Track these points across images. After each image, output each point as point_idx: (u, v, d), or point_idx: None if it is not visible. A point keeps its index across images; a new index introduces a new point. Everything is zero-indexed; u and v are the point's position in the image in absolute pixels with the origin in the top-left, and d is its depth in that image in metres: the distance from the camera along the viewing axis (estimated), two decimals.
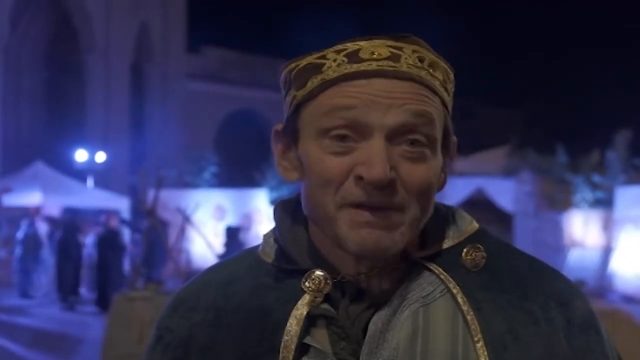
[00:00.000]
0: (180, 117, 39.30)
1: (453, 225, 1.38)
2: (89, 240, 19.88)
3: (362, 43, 1.26)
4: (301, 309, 1.28)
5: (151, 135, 38.06)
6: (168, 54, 39.97)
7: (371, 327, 1.26)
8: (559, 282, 1.37)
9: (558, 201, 23.61)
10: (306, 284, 1.28)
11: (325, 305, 1.29)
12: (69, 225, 18.72)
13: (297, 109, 1.30)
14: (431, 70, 1.28)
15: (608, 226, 21.81)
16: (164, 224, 17.70)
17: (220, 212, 26.28)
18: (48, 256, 20.06)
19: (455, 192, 25.16)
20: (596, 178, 22.93)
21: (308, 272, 1.29)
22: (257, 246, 1.44)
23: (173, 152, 34.01)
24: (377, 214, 1.22)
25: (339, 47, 1.27)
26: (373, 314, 1.28)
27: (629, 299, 19.08)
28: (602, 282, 20.36)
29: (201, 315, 1.37)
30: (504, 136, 29.58)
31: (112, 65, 36.84)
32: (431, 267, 1.30)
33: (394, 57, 1.25)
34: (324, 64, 1.27)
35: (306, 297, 1.28)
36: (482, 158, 27.12)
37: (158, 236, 13.86)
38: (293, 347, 1.26)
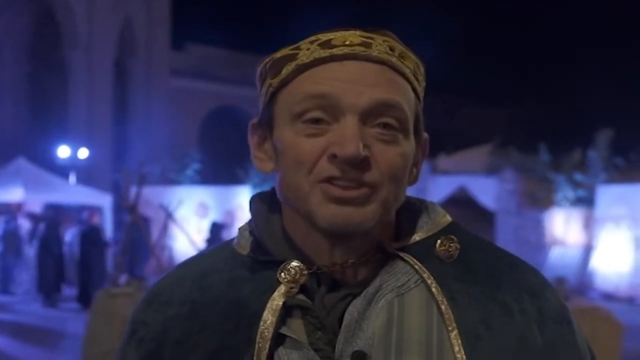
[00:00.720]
0: (164, 113, 39.18)
1: (427, 218, 1.40)
2: (70, 237, 19.81)
3: (334, 34, 1.30)
4: (277, 300, 1.29)
5: (134, 131, 37.93)
6: (151, 50, 39.83)
7: (347, 316, 1.27)
8: (530, 275, 1.39)
9: (540, 199, 23.69)
10: (282, 275, 1.29)
11: (301, 296, 1.30)
12: (51, 221, 18.63)
13: (272, 97, 1.33)
14: (402, 60, 1.31)
15: (589, 224, 21.90)
16: (146, 221, 17.67)
17: (203, 209, 26.24)
18: (29, 252, 19.96)
19: (438, 190, 25.23)
20: (578, 177, 23.01)
21: (284, 263, 1.30)
22: (232, 240, 1.46)
23: (156, 148, 33.91)
24: (350, 190, 1.24)
25: (313, 38, 1.30)
26: (348, 304, 1.29)
27: (609, 296, 19.20)
28: (583, 280, 20.46)
29: (176, 308, 1.38)
30: (487, 135, 29.65)
31: (95, 61, 36.67)
32: (406, 258, 1.32)
33: (366, 44, 1.29)
34: (298, 53, 1.30)
35: (282, 288, 1.29)
36: (465, 156, 27.19)
37: (140, 233, 13.83)
38: (269, 337, 1.27)
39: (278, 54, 1.33)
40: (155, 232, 20.34)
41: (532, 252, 22.60)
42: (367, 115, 1.25)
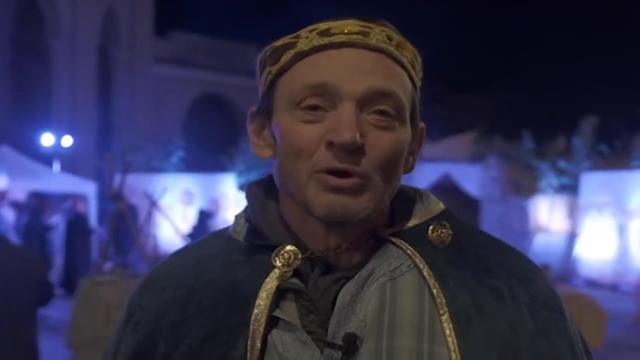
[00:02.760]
0: (148, 101, 39.07)
1: (420, 205, 1.43)
2: (54, 224, 19.73)
3: (334, 23, 1.32)
4: (271, 283, 1.31)
5: (118, 119, 37.80)
6: (135, 38, 39.65)
7: (339, 299, 1.30)
8: (521, 262, 1.42)
9: (524, 187, 23.76)
10: (276, 259, 1.32)
11: (295, 280, 1.33)
12: (35, 209, 18.56)
13: (272, 84, 1.35)
14: (399, 49, 1.34)
15: (573, 212, 21.99)
16: (131, 209, 17.61)
17: (188, 196, 26.18)
18: (13, 240, 19.87)
19: (422, 177, 25.23)
20: (562, 164, 23.08)
21: (279, 248, 1.33)
22: (227, 228, 1.47)
23: (140, 136, 33.79)
24: (344, 180, 1.26)
25: (312, 27, 1.33)
26: (341, 288, 1.31)
27: (592, 283, 19.29)
28: (567, 267, 20.54)
29: (171, 293, 1.40)
30: (471, 122, 29.69)
31: (78, 49, 36.48)
32: (398, 243, 1.34)
33: (364, 33, 1.31)
34: (298, 41, 1.32)
35: (276, 272, 1.32)
36: (450, 144, 27.20)
37: (125, 221, 13.79)
38: (263, 320, 1.29)
39: (278, 42, 1.35)
40: (139, 220, 20.28)
41: (517, 239, 22.65)
42: (364, 102, 1.27)
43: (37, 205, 19.21)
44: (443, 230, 1.37)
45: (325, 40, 1.30)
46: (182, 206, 25.57)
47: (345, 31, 1.30)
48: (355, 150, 1.25)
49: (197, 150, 31.52)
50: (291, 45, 1.32)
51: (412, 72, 1.36)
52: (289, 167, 1.31)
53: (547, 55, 48.37)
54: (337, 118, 1.26)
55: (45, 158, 30.03)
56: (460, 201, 25.56)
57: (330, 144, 1.25)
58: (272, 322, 1.30)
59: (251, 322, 1.29)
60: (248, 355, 1.28)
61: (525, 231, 23.10)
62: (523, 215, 23.48)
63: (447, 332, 1.26)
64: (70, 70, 36.25)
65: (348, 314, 1.29)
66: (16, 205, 20.93)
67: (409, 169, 1.39)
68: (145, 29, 40.46)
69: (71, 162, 32.55)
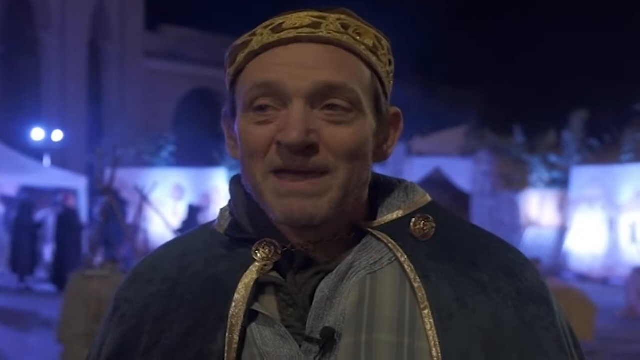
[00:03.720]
0: (138, 95, 38.99)
1: (404, 197, 1.40)
2: (44, 219, 19.71)
3: (288, 16, 1.30)
4: (250, 277, 1.31)
5: (108, 113, 37.72)
6: (125, 32, 39.55)
7: (318, 293, 1.29)
8: (509, 254, 1.40)
9: (515, 181, 23.81)
10: (256, 252, 1.31)
11: (274, 273, 1.32)
12: (25, 204, 18.52)
13: (232, 85, 1.35)
14: (357, 37, 1.30)
15: (563, 206, 22.05)
16: (121, 203, 17.58)
17: (178, 191, 26.17)
18: (3, 235, 19.84)
19: (413, 171, 25.27)
20: (552, 158, 23.13)
21: (259, 241, 1.32)
22: (213, 221, 1.47)
23: (131, 130, 33.72)
24: (300, 182, 1.25)
25: (268, 22, 1.31)
26: (320, 281, 1.30)
27: (583, 277, 19.38)
28: (557, 261, 20.62)
29: (156, 286, 1.40)
30: (461, 117, 29.72)
31: (69, 43, 36.38)
32: (379, 236, 1.32)
33: (315, 25, 1.28)
34: (252, 40, 1.31)
35: (256, 265, 1.31)
36: (440, 138, 27.27)
37: (115, 215, 13.76)
38: (242, 314, 1.28)
39: (238, 41, 1.34)
40: (130, 215, 20.25)
41: (507, 233, 22.70)
42: (314, 99, 1.25)
43: (26, 200, 19.16)
44: (426, 223, 1.35)
45: (275, 37, 1.28)
46: (173, 201, 25.57)
47: (297, 25, 1.28)
48: (306, 149, 1.23)
49: (187, 144, 31.47)
50: (246, 45, 1.31)
51: (373, 59, 1.31)
52: (247, 169, 1.30)
53: (537, 49, 48.43)
54: (286, 117, 1.24)
55: (35, 152, 29.95)
56: (451, 195, 25.60)
57: (279, 145, 1.24)
58: (251, 316, 1.29)
59: (229, 316, 1.28)
60: (226, 348, 1.27)
61: (516, 225, 23.16)
62: (514, 209, 23.53)
63: (428, 326, 1.25)
64: (60, 64, 36.15)
65: (327, 308, 1.28)
66: (6, 200, 20.91)
67: (383, 158, 1.37)
68: (135, 22, 40.36)
69: (61, 157, 32.48)
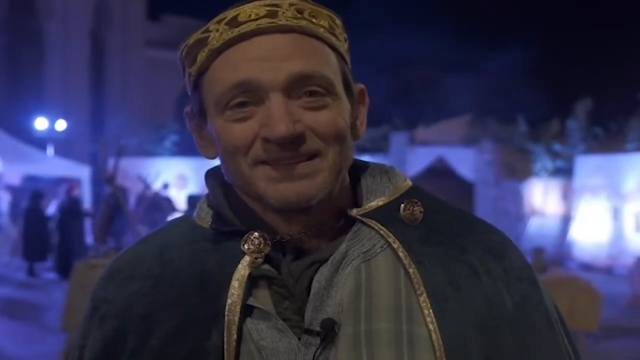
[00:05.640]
0: (141, 85, 39.01)
1: (387, 182, 1.39)
2: (51, 209, 19.75)
3: (241, 8, 1.28)
4: (242, 271, 1.28)
5: (111, 103, 37.74)
6: (127, 21, 39.56)
7: (315, 284, 1.28)
8: (494, 236, 1.40)
9: (518, 170, 23.78)
10: (245, 245, 1.29)
11: (266, 266, 1.30)
12: (35, 194, 18.56)
13: (196, 86, 1.32)
14: (313, 20, 1.29)
15: (568, 195, 22.03)
16: (125, 192, 17.61)
17: (181, 180, 26.20)
18: (8, 224, 19.87)
19: (416, 160, 25.28)
20: (556, 147, 23.10)
21: (247, 234, 1.29)
22: (189, 214, 1.44)
23: (133, 120, 33.74)
24: (292, 166, 1.24)
25: (220, 17, 1.29)
26: (315, 272, 1.29)
27: (587, 266, 19.35)
28: (561, 250, 20.60)
29: (138, 284, 1.36)
30: (465, 106, 29.68)
31: (71, 33, 36.39)
32: (370, 223, 1.32)
33: (271, 14, 1.26)
34: (209, 37, 1.29)
35: (246, 259, 1.29)
36: (444, 127, 27.22)
37: (119, 204, 13.78)
38: (238, 309, 1.26)
39: (191, 40, 1.32)
40: (133, 204, 20.29)
41: (511, 222, 22.70)
42: (291, 89, 1.24)
43: (37, 190, 19.20)
44: (415, 208, 1.35)
45: (235, 32, 1.26)
46: (176, 190, 25.58)
47: (253, 16, 1.26)
48: (294, 141, 1.22)
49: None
50: (203, 42, 1.29)
51: (333, 39, 1.31)
52: (231, 165, 1.29)
53: (541, 38, 48.33)
54: (267, 112, 1.23)
55: (39, 142, 29.96)
56: (454, 184, 25.58)
57: (266, 141, 1.23)
58: (246, 311, 1.27)
59: (226, 312, 1.26)
60: (225, 346, 1.25)
61: (520, 214, 23.14)
62: (517, 198, 23.51)
63: (426, 311, 1.25)
64: (63, 54, 36.16)
65: (324, 299, 1.27)
66: (11, 189, 20.94)
67: (358, 136, 1.36)
68: (137, 12, 40.37)
69: (65, 146, 32.48)
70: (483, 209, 23.80)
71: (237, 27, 1.26)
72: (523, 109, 24.78)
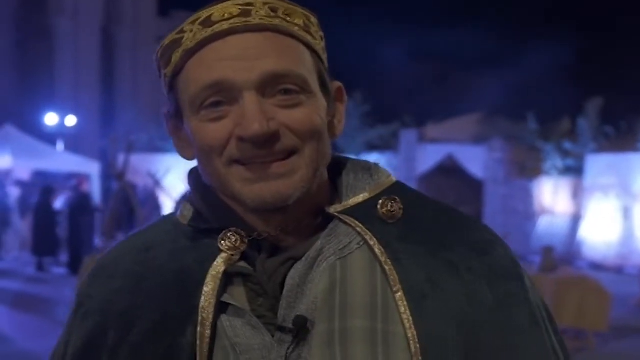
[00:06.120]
0: (150, 81, 39.05)
1: (369, 179, 1.38)
2: (60, 204, 19.80)
3: (214, 8, 1.28)
4: (217, 268, 1.29)
5: (121, 99, 37.82)
6: (138, 17, 39.67)
7: (288, 281, 1.27)
8: (479, 232, 1.38)
9: (528, 168, 23.72)
10: (222, 243, 1.29)
11: (242, 263, 1.30)
12: (45, 189, 18.62)
13: (171, 87, 1.32)
14: (288, 18, 1.29)
15: (578, 194, 21.97)
16: (134, 188, 17.65)
17: None
18: (18, 219, 19.93)
19: (426, 158, 25.24)
20: (567, 145, 23.04)
21: (224, 231, 1.30)
22: (174, 213, 1.45)
23: (143, 116, 33.79)
24: (268, 165, 1.24)
25: (194, 17, 1.29)
26: (290, 269, 1.29)
27: (597, 266, 19.30)
28: (571, 250, 20.56)
29: (120, 281, 1.37)
30: (475, 103, 29.63)
31: (82, 29, 36.50)
32: (347, 220, 1.31)
33: (245, 13, 1.26)
34: (183, 37, 1.29)
35: (223, 256, 1.29)
36: (454, 125, 27.15)
37: (129, 200, 13.81)
38: (212, 306, 1.27)
39: (166, 41, 1.32)
40: (142, 200, 20.31)
41: (521, 221, 22.66)
42: (264, 88, 1.23)
43: (47, 185, 19.26)
44: (393, 205, 1.33)
45: (209, 32, 1.26)
46: (186, 186, 25.60)
47: (226, 15, 1.26)
48: (269, 139, 1.22)
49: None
50: (178, 43, 1.29)
51: (308, 38, 1.30)
52: (206, 166, 1.29)
53: (552, 36, 48.21)
54: (241, 111, 1.23)
55: (49, 137, 30.07)
56: (464, 182, 25.56)
57: (241, 140, 1.23)
58: (221, 307, 1.28)
59: (199, 309, 1.27)
60: (198, 342, 1.26)
61: (530, 213, 23.09)
62: (527, 197, 23.46)
63: (402, 309, 1.24)
64: (73, 50, 36.27)
65: (298, 296, 1.27)
66: (21, 184, 20.98)
67: (336, 134, 1.36)
68: (148, 8, 40.47)
69: (75, 142, 32.60)
70: (492, 207, 23.77)
71: (210, 26, 1.26)
72: (535, 106, 24.71)
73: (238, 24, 1.25)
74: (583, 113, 22.98)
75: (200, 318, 1.26)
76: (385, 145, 26.75)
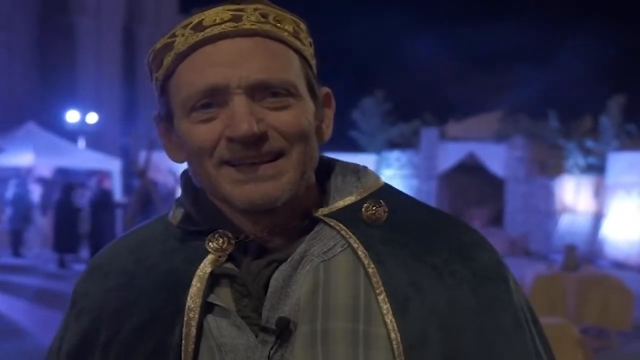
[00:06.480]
0: None
1: (356, 182, 1.40)
2: (82, 201, 19.89)
3: (205, 13, 1.30)
4: (204, 269, 1.31)
5: (142, 96, 37.94)
6: (159, 15, 39.79)
7: (272, 283, 1.29)
8: (464, 236, 1.39)
9: (550, 166, 23.64)
10: (210, 244, 1.31)
11: (229, 264, 1.33)
12: (67, 186, 18.72)
13: (162, 90, 1.34)
14: (278, 24, 1.30)
15: (600, 192, 21.87)
16: (155, 186, 17.72)
17: None
18: (39, 216, 20.04)
19: (447, 156, 25.21)
20: (589, 143, 22.93)
21: (212, 233, 1.32)
22: (168, 212, 1.47)
23: None
24: (256, 167, 1.25)
25: (186, 22, 1.31)
26: (274, 271, 1.31)
27: (619, 265, 19.21)
28: (593, 248, 20.46)
29: (114, 280, 1.40)
30: (496, 101, 29.54)
31: (103, 26, 36.67)
32: (331, 223, 1.32)
33: (236, 18, 1.28)
34: (175, 41, 1.30)
35: (210, 257, 1.31)
36: (475, 123, 27.10)
37: (150, 197, 13.87)
38: (198, 307, 1.29)
39: (158, 45, 1.33)
40: (164, 197, 20.39)
41: (542, 219, 22.59)
42: (254, 91, 1.25)
43: (68, 182, 19.36)
44: (378, 209, 1.35)
45: (200, 36, 1.27)
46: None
47: (217, 20, 1.27)
48: (258, 140, 1.24)
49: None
50: (170, 47, 1.30)
51: (297, 44, 1.32)
52: (197, 168, 1.31)
53: (575, 33, 48.01)
54: (230, 113, 1.24)
55: (70, 135, 30.22)
56: (485, 181, 25.51)
57: (230, 140, 1.24)
58: (208, 308, 1.30)
59: (186, 309, 1.29)
60: (183, 342, 1.28)
61: (551, 211, 23.01)
62: (548, 195, 23.38)
63: (385, 311, 1.25)
64: (95, 48, 36.45)
65: (281, 298, 1.28)
66: (42, 181, 21.09)
67: (323, 138, 1.37)
68: (169, 6, 40.59)
69: (96, 139, 32.75)
70: (513, 206, 23.70)
71: (202, 31, 1.28)
72: (557, 104, 24.61)
73: (229, 29, 1.27)
74: (605, 111, 22.86)
75: (186, 318, 1.28)
76: (406, 143, 26.72)
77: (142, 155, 12.48)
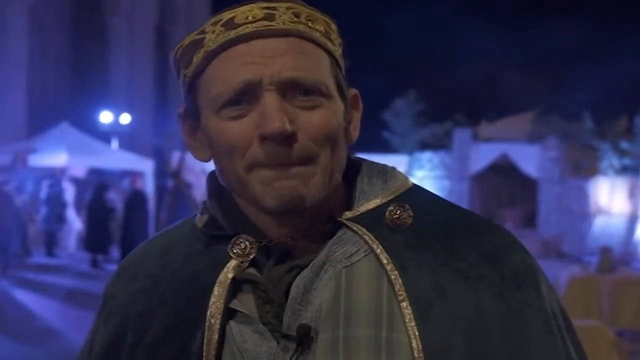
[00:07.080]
0: None
1: (383, 185, 1.37)
2: (115, 201, 20.03)
3: (237, 10, 1.28)
4: (226, 274, 1.30)
5: (175, 97, 38.11)
6: (192, 16, 39.93)
7: (293, 289, 1.27)
8: (494, 238, 1.35)
9: (584, 168, 23.49)
10: (233, 249, 1.30)
11: (251, 270, 1.31)
12: (100, 186, 18.86)
13: (191, 87, 1.33)
14: (310, 24, 1.29)
15: (635, 193, 21.70)
16: (189, 187, 17.80)
17: None
18: (73, 216, 20.19)
19: (479, 157, 25.12)
20: (623, 144, 22.75)
21: (235, 238, 1.31)
22: (196, 215, 1.45)
23: None
24: (288, 169, 1.23)
25: (216, 18, 1.29)
26: (295, 277, 1.29)
27: None
28: (628, 250, 20.30)
29: (140, 283, 1.40)
30: (529, 102, 29.38)
31: (136, 28, 36.87)
32: (354, 228, 1.30)
33: (269, 17, 1.26)
34: (205, 38, 1.29)
35: (232, 262, 1.30)
36: (508, 124, 26.99)
37: (183, 198, 13.93)
38: (219, 312, 1.28)
39: (186, 41, 1.32)
40: (197, 198, 20.47)
41: (576, 221, 22.44)
42: (285, 89, 1.24)
43: (101, 182, 19.51)
44: (402, 213, 1.32)
45: (232, 34, 1.26)
46: None
47: (250, 18, 1.26)
48: (288, 139, 1.22)
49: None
50: (199, 44, 1.29)
51: (329, 44, 1.31)
52: (227, 167, 1.29)
53: (608, 33, 47.65)
54: (261, 109, 1.23)
55: (103, 135, 30.38)
56: (518, 182, 25.39)
57: (263, 139, 1.22)
58: (231, 313, 1.29)
59: (207, 315, 1.28)
60: (205, 347, 1.27)
61: (585, 213, 22.85)
62: (582, 196, 23.22)
63: (407, 319, 1.22)
64: (128, 49, 36.66)
65: (303, 304, 1.26)
66: (76, 181, 21.25)
67: (351, 139, 1.35)
68: (201, 6, 40.72)
69: (129, 140, 32.91)
70: (546, 207, 23.56)
71: (234, 29, 1.26)
72: (591, 105, 24.43)
73: (262, 28, 1.26)
74: None
75: (208, 323, 1.28)
76: (438, 144, 26.67)
77: (175, 156, 12.52)
